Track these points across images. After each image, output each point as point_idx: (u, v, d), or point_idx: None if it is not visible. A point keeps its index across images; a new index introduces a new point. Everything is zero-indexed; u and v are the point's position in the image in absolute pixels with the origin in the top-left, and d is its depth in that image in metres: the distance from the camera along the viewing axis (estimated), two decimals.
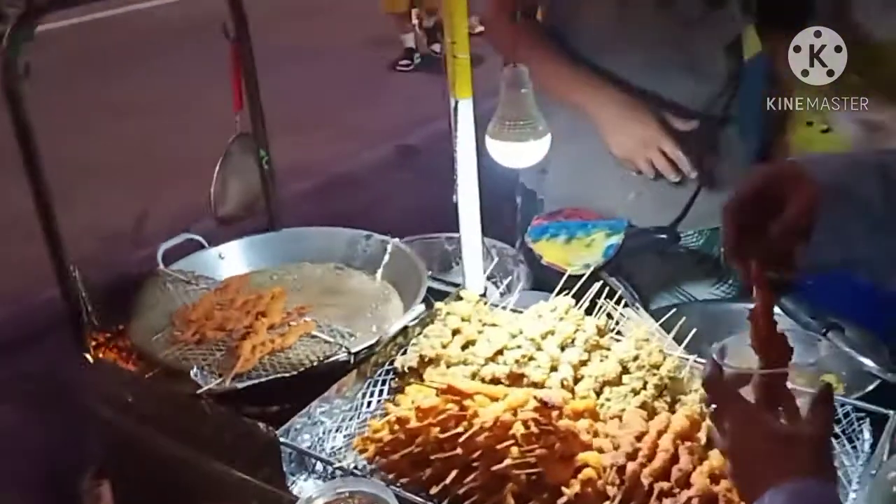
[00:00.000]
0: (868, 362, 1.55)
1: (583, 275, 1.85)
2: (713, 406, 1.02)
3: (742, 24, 2.07)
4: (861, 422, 1.43)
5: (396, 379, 1.67)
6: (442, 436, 1.36)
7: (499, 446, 1.31)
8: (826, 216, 1.03)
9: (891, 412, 1.42)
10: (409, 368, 1.64)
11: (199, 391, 1.47)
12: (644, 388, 1.49)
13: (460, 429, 1.34)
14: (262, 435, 1.46)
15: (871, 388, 1.58)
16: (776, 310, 1.11)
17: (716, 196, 2.03)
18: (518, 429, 1.31)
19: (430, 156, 4.86)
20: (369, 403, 1.65)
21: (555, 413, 1.30)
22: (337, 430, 1.58)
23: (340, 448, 1.56)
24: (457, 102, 1.71)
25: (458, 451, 1.33)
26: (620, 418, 1.43)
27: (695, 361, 1.57)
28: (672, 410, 1.48)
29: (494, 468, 1.27)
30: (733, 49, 2.09)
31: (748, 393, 1.00)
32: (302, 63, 7.10)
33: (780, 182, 1.05)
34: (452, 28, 1.63)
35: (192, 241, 1.99)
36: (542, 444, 1.28)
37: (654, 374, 1.50)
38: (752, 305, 1.78)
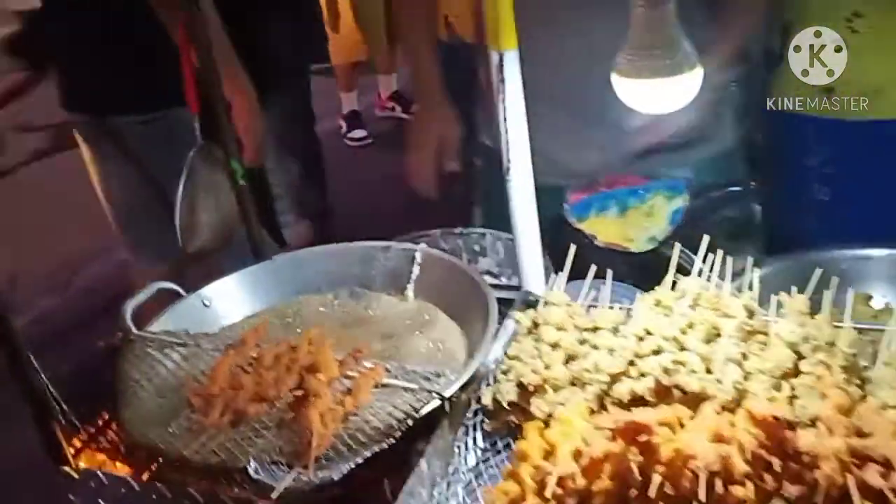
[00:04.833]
0: None
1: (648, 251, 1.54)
2: None
3: None
4: None
5: (487, 421, 1.31)
6: (626, 492, 1.01)
7: (718, 490, 0.97)
8: None
9: None
10: (510, 403, 1.27)
11: (273, 494, 1.04)
12: (829, 373, 1.18)
13: (657, 479, 0.98)
14: None
15: None
16: None
17: None
18: (738, 462, 0.97)
19: None
20: (466, 459, 1.27)
21: (788, 432, 0.97)
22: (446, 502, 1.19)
23: None
24: (501, 56, 1.34)
25: None
26: (814, 423, 1.11)
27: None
28: (864, 392, 1.17)
29: None
30: None
31: None
32: None
33: None
34: None
35: (163, 290, 1.53)
36: (785, 476, 0.94)
37: (834, 354, 1.19)
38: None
